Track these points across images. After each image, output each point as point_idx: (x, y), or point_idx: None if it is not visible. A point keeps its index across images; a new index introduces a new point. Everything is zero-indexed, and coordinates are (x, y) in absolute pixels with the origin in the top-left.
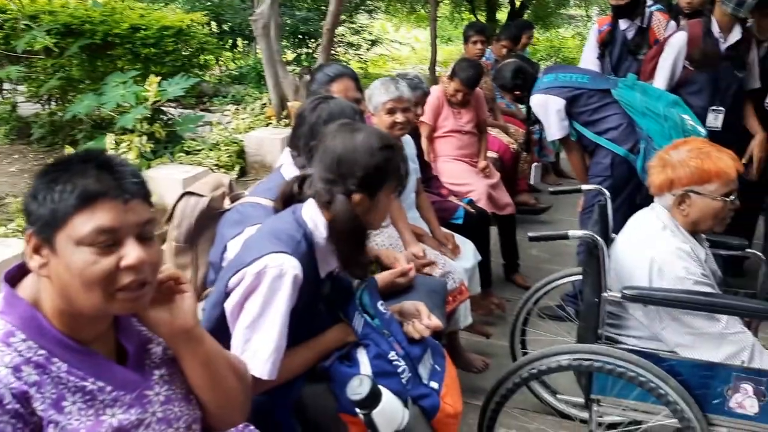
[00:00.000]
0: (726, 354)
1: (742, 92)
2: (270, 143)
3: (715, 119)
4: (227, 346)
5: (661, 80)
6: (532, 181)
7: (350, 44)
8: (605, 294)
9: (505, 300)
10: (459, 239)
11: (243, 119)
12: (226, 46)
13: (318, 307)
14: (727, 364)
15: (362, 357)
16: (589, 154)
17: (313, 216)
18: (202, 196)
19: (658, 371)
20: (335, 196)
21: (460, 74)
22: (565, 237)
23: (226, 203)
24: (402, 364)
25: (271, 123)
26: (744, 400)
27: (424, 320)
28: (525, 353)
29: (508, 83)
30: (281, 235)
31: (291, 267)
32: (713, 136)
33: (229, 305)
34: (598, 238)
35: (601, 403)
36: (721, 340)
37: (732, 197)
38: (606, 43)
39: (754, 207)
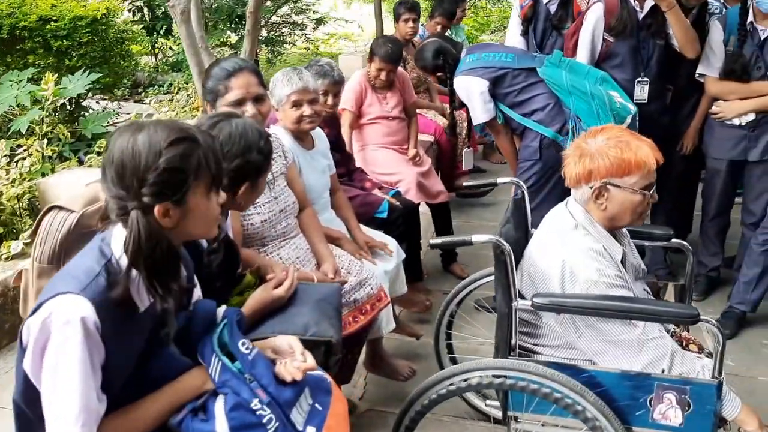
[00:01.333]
0: (645, 361)
1: (665, 61)
2: None
3: (642, 91)
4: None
5: (583, 55)
6: (464, 167)
7: (295, 24)
8: (515, 303)
9: (442, 293)
10: (381, 238)
11: (164, 112)
12: (160, 32)
13: (161, 347)
14: (648, 373)
15: (218, 409)
16: (519, 137)
17: (120, 241)
18: (71, 211)
19: (575, 385)
20: (129, 213)
21: (379, 51)
22: (469, 243)
23: None
24: (267, 413)
25: (196, 115)
26: (668, 410)
27: (297, 360)
28: (452, 358)
29: (429, 64)
30: (77, 271)
31: (78, 310)
32: (641, 109)
33: (27, 365)
34: (503, 242)
35: (519, 420)
36: (640, 347)
37: (651, 191)
38: (529, 19)
39: (690, 187)
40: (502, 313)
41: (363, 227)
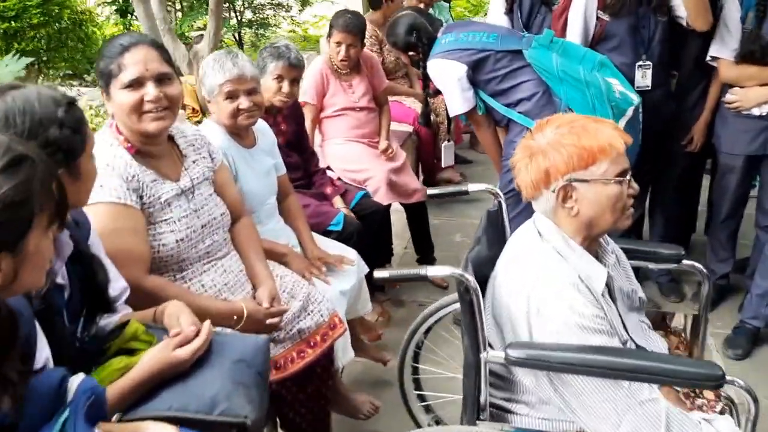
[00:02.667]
0: (631, 428)
1: (669, 40)
2: None
3: (644, 77)
4: None
5: (574, 38)
6: (444, 164)
7: (280, 5)
8: (484, 354)
9: (417, 305)
10: (340, 250)
11: None
12: (134, 15)
13: None
14: None
15: None
16: (505, 129)
17: None
18: None
19: None
20: None
21: (336, 22)
22: (424, 278)
23: None
24: None
25: None
26: None
27: None
28: (420, 395)
29: (400, 41)
30: None
31: None
32: (645, 97)
33: None
34: (468, 277)
35: None
36: (626, 410)
37: (627, 177)
38: None
39: (694, 184)
40: (468, 363)
41: (318, 238)
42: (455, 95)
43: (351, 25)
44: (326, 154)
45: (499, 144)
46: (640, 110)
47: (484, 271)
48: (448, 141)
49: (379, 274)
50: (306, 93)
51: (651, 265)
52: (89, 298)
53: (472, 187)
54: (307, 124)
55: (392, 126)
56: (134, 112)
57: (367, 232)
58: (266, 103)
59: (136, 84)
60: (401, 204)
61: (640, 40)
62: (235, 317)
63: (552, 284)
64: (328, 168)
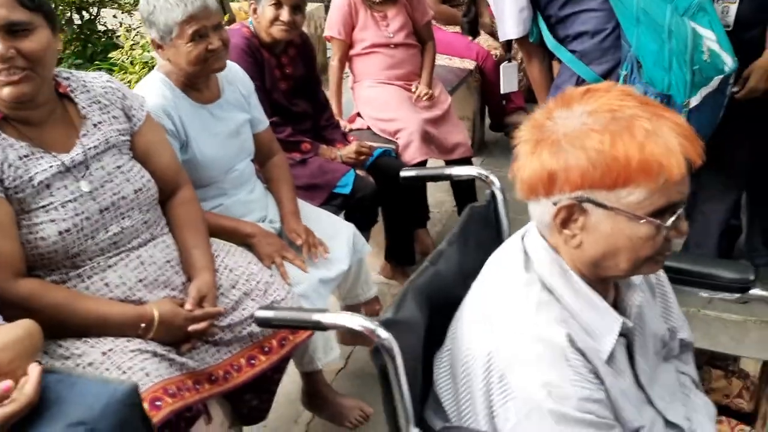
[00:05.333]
0: None
1: None
2: None
3: (725, 13)
4: None
5: None
6: (503, 89)
7: None
8: None
9: None
10: (333, 227)
11: None
12: None
13: None
14: None
15: None
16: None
17: None
18: None
19: None
20: None
21: None
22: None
23: None
24: None
25: None
26: None
27: None
28: None
29: None
30: None
31: None
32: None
33: None
34: (383, 335)
35: None
36: None
37: (674, 218)
38: None
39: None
40: None
41: (308, 210)
42: (507, 13)
43: None
44: (357, 98)
45: (549, 85)
46: (731, 81)
47: (456, 292)
48: (509, 61)
49: (260, 313)
50: (332, 26)
51: (703, 294)
52: None
53: (456, 170)
54: (334, 63)
55: (450, 62)
56: None
57: (389, 198)
58: (266, 38)
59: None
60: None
61: None
62: (143, 325)
63: (525, 342)
64: (358, 115)
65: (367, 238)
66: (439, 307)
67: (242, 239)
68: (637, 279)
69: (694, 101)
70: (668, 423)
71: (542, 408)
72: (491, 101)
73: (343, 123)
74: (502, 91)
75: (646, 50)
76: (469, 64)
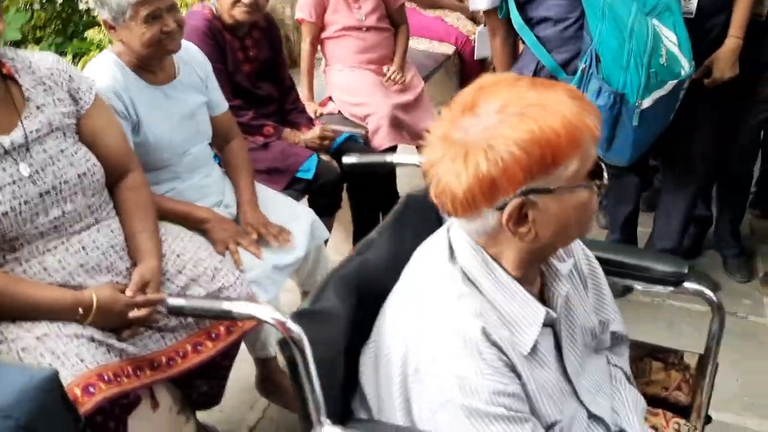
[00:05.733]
0: None
1: None
2: None
3: (687, 1)
4: None
5: None
6: (477, 54)
7: None
8: (318, 430)
9: None
10: (291, 213)
11: None
12: None
13: None
14: None
15: None
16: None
17: None
18: None
19: None
20: None
21: None
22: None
23: None
24: None
25: None
26: None
27: None
28: None
29: None
30: None
31: None
32: (691, 28)
33: None
34: (293, 327)
35: None
36: None
37: (602, 176)
38: None
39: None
40: None
41: (266, 194)
42: None
43: None
44: (329, 82)
45: (509, 64)
46: (686, 86)
47: (387, 283)
48: (484, 25)
49: (172, 301)
50: (303, 8)
51: (639, 287)
52: None
53: (397, 158)
54: (305, 46)
55: (429, 46)
56: None
57: (356, 183)
58: (228, 20)
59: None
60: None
61: None
62: (81, 310)
63: (440, 334)
64: (330, 99)
65: (331, 224)
66: (370, 298)
67: (196, 224)
68: (564, 269)
69: (646, 103)
70: (592, 416)
71: (454, 401)
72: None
73: (314, 106)
74: (475, 57)
75: (606, 46)
76: (448, 49)
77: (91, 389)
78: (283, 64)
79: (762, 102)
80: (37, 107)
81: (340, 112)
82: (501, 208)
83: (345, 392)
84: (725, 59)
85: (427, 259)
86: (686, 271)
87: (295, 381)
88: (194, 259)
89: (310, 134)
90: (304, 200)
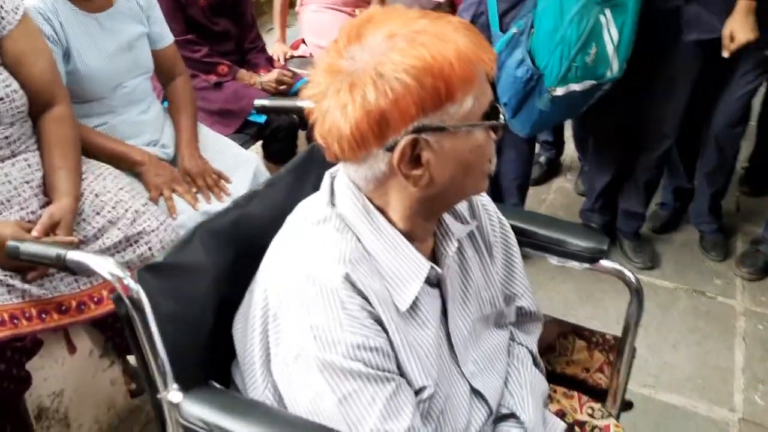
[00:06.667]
0: None
1: None
2: None
3: None
4: None
5: None
6: None
7: None
8: (164, 395)
9: None
10: (235, 158)
11: None
12: None
13: None
14: None
15: None
16: None
17: None
18: None
19: None
20: None
21: None
22: None
23: None
24: None
25: None
26: None
27: None
28: None
29: None
30: None
31: None
32: None
33: None
34: (128, 281)
35: None
36: None
37: (498, 115)
38: None
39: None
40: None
41: (214, 138)
42: None
43: None
44: (301, 23)
45: None
46: (605, 88)
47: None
48: None
49: (12, 243)
50: None
51: (553, 261)
52: None
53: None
54: None
55: None
56: None
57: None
58: None
59: None
60: None
61: None
62: None
63: (299, 280)
64: (303, 42)
65: None
66: (252, 252)
67: (130, 166)
68: (459, 230)
69: (560, 91)
70: (475, 391)
71: (308, 353)
72: None
73: (284, 48)
74: None
75: (542, 21)
76: None
77: None
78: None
79: (749, 72)
80: None
81: (312, 55)
82: (391, 149)
83: (218, 352)
84: (741, 22)
85: (305, 205)
86: (605, 247)
87: (133, 341)
88: (114, 201)
89: (267, 77)
90: (257, 146)
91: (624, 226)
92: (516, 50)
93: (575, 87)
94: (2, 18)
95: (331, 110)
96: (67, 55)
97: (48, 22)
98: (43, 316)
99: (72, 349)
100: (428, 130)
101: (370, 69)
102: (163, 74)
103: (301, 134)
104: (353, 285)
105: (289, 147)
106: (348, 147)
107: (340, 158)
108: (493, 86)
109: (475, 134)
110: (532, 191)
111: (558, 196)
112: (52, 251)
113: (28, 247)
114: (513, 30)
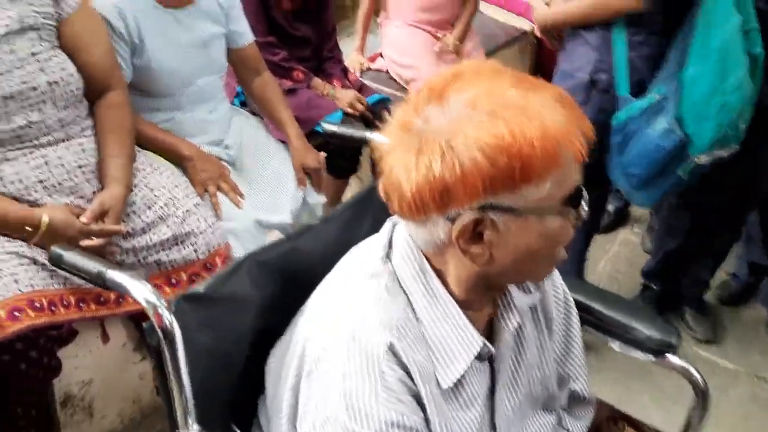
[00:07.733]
0: None
1: None
2: None
3: None
4: None
5: None
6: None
7: None
8: None
9: None
10: (288, 170)
11: None
12: None
13: None
14: None
15: None
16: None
17: None
18: None
19: None
20: None
21: None
22: None
23: None
24: None
25: None
26: None
27: None
28: None
29: None
30: None
31: None
32: None
33: None
34: (163, 312)
35: None
36: None
37: (580, 202)
38: None
39: None
40: None
41: (273, 145)
42: None
43: None
44: (383, 36)
45: None
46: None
47: (320, 275)
48: None
49: (56, 249)
50: None
51: (615, 346)
52: None
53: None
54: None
55: (505, 17)
56: None
57: None
58: None
59: None
60: None
61: None
62: (28, 228)
63: (341, 338)
64: (380, 55)
65: (342, 187)
66: (299, 289)
67: (178, 160)
68: (524, 301)
69: (704, 159)
70: None
71: (338, 420)
72: (543, 74)
73: (361, 59)
74: None
75: (695, 86)
76: (525, 24)
77: (17, 314)
78: (327, 8)
79: None
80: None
81: (387, 71)
82: (452, 220)
83: (246, 391)
84: None
85: (361, 251)
86: (674, 341)
87: (160, 377)
88: (167, 197)
89: (342, 96)
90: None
91: (687, 291)
92: (659, 117)
93: (720, 153)
94: (62, 2)
95: (396, 168)
96: (138, 51)
97: (123, 18)
98: (81, 305)
99: (106, 338)
100: (495, 209)
101: (442, 138)
102: (248, 70)
103: (365, 150)
104: (397, 356)
105: (352, 164)
106: (407, 208)
107: (400, 215)
108: (600, 158)
109: (550, 220)
110: (596, 240)
111: (623, 249)
112: (94, 267)
113: (71, 258)
114: (654, 96)
